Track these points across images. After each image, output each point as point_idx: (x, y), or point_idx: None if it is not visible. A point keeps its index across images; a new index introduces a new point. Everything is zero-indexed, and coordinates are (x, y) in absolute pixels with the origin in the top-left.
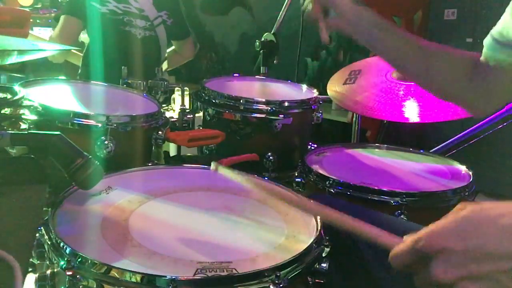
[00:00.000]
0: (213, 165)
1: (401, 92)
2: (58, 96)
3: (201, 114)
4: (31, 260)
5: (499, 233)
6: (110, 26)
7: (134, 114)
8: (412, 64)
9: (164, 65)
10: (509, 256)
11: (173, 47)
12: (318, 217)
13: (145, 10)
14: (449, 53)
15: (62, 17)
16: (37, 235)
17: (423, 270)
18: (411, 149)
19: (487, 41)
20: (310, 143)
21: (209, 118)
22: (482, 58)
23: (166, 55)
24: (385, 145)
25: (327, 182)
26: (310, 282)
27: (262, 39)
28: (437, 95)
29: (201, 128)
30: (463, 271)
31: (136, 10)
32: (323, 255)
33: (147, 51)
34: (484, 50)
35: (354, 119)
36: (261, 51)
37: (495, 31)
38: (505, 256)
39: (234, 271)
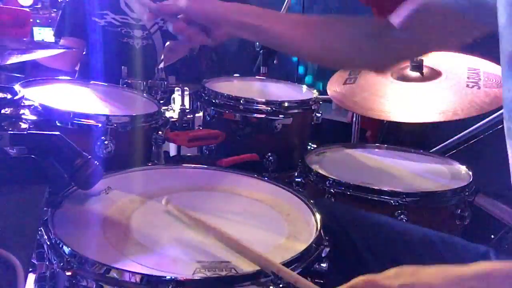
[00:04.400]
0: (164, 201)
1: (401, 92)
2: (58, 96)
3: (201, 114)
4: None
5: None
6: (109, 38)
7: (134, 114)
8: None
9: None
10: None
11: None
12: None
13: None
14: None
15: (63, 40)
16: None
17: None
18: (411, 149)
19: None
20: (310, 143)
21: (209, 118)
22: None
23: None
24: (385, 145)
25: (327, 182)
26: None
27: None
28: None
29: (201, 128)
30: None
31: (134, 21)
32: (323, 255)
33: (144, 59)
34: None
35: (354, 119)
36: (261, 51)
37: None
38: None
39: (234, 271)
